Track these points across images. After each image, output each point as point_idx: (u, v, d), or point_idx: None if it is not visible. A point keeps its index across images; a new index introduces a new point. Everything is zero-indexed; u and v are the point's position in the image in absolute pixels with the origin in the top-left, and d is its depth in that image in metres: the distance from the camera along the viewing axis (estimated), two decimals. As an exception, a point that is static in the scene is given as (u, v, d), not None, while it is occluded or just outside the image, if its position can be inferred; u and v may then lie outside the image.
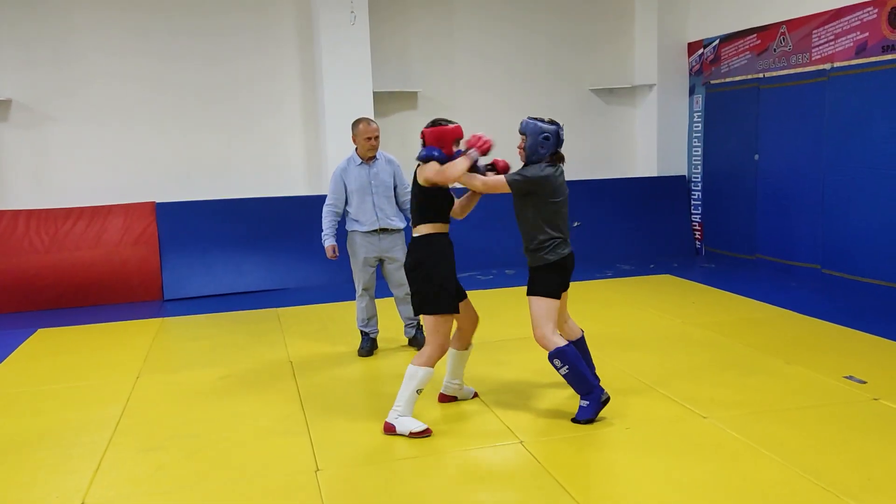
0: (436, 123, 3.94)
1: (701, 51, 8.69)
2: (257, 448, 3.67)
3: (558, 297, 3.89)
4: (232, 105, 7.96)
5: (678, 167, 9.11)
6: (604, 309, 6.33)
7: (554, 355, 3.75)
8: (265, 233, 7.70)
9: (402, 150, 8.29)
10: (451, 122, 3.96)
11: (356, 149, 5.13)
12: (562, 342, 3.78)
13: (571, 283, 4.07)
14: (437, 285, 3.75)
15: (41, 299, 6.97)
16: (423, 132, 3.93)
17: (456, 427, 3.87)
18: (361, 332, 5.32)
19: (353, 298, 5.46)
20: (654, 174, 9.08)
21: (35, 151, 7.49)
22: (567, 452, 3.51)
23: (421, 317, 3.93)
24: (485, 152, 3.89)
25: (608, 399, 3.83)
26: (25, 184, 7.47)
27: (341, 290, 7.39)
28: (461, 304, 4.00)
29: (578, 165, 9.09)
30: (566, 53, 8.99)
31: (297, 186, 8.23)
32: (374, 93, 7.95)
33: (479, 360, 4.96)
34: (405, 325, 5.41)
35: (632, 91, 9.23)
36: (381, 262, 5.25)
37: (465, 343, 4.15)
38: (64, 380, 4.89)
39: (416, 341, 5.33)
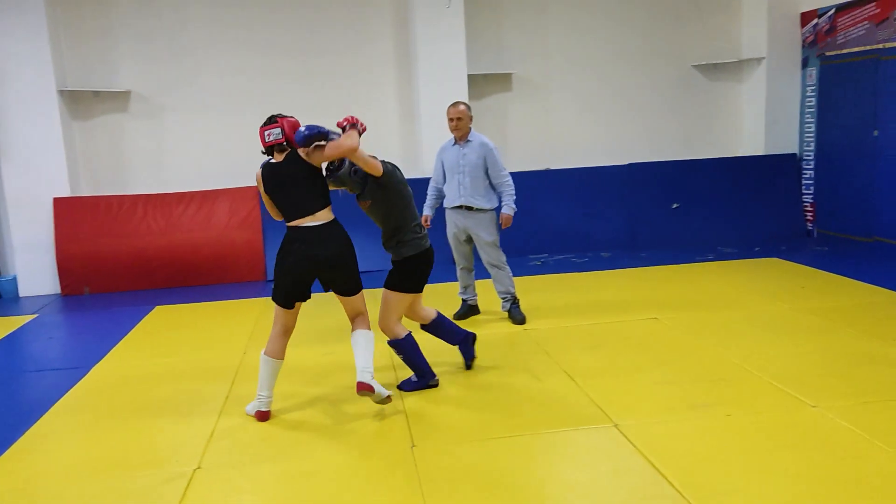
0: (272, 120, 3.87)
1: (815, 21, 8.21)
2: (357, 423, 3.83)
3: (420, 291, 4.16)
4: (331, 92, 8.19)
5: (788, 145, 8.68)
6: (704, 293, 6.16)
7: (392, 344, 4.16)
8: (359, 218, 7.85)
9: (497, 131, 8.32)
10: (267, 120, 3.90)
11: None
12: (403, 333, 4.14)
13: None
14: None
15: (158, 278, 7.46)
16: (280, 122, 3.83)
17: (548, 409, 3.89)
18: (461, 298, 5.74)
19: (453, 279, 5.76)
20: (762, 152, 8.70)
21: (152, 140, 7.99)
22: (663, 437, 3.47)
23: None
24: (363, 130, 3.88)
25: (436, 384, 4.22)
26: (144, 170, 7.99)
27: (439, 269, 7.49)
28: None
29: (678, 145, 8.84)
30: (667, 28, 8.71)
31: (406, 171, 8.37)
32: (469, 76, 7.99)
33: (571, 343, 4.95)
34: (501, 300, 5.61)
35: (738, 66, 8.84)
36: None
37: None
38: (179, 353, 5.24)
39: (512, 315, 5.50)
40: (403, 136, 8.38)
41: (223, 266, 7.57)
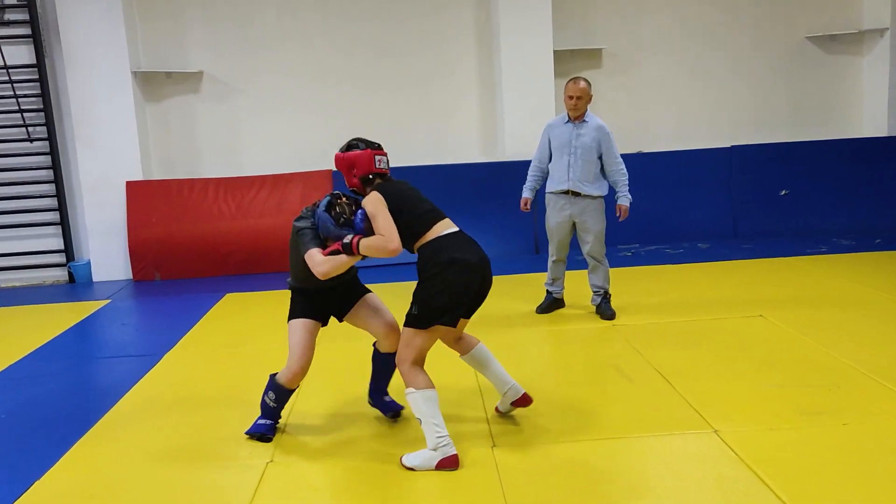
0: (378, 146, 3.62)
1: (950, -16, 7.71)
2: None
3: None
4: (407, 69, 8.25)
5: (915, 125, 8.23)
6: (816, 289, 5.91)
7: None
8: (439, 200, 7.86)
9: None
10: (370, 143, 3.60)
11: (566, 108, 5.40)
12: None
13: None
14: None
15: (229, 264, 7.71)
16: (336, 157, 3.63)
17: (639, 411, 3.82)
18: (546, 289, 5.68)
19: (535, 270, 5.71)
20: (884, 134, 8.27)
21: (224, 122, 8.24)
22: (770, 446, 3.35)
23: None
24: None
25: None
26: (215, 153, 8.26)
27: (521, 261, 7.50)
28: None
29: (788, 125, 8.51)
30: (780, -5, 8.38)
31: (471, 153, 8.41)
32: (555, 51, 7.89)
33: (665, 341, 4.85)
34: (592, 293, 5.56)
35: (859, 37, 8.41)
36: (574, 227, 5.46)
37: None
38: (250, 343, 5.40)
39: (601, 310, 5.47)
40: (483, 117, 8.37)
41: (294, 253, 7.74)
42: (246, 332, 5.69)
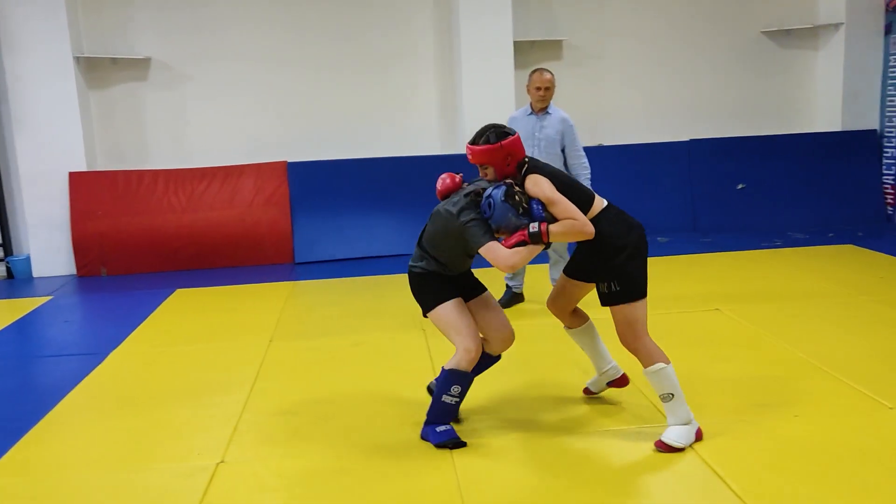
0: (505, 136, 3.44)
1: (902, -19, 7.93)
2: (389, 418, 3.84)
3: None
4: (363, 61, 8.18)
5: (868, 120, 8.44)
6: (772, 283, 6.03)
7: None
8: (398, 194, 7.92)
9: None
10: (501, 128, 3.48)
11: (530, 100, 5.40)
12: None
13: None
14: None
15: (179, 259, 7.57)
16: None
17: (599, 407, 3.87)
18: (506, 284, 5.71)
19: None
20: (838, 128, 8.47)
21: (173, 111, 8.07)
22: (724, 439, 3.42)
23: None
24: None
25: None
26: (164, 144, 8.09)
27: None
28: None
29: (746, 119, 8.66)
30: (737, -11, 8.52)
31: (431, 145, 8.39)
32: (515, 42, 7.91)
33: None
34: (553, 288, 5.52)
35: (814, 32, 8.60)
36: None
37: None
38: (201, 340, 5.32)
39: None
40: (443, 108, 8.35)
41: (248, 247, 7.65)
42: (196, 329, 5.60)
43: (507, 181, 3.40)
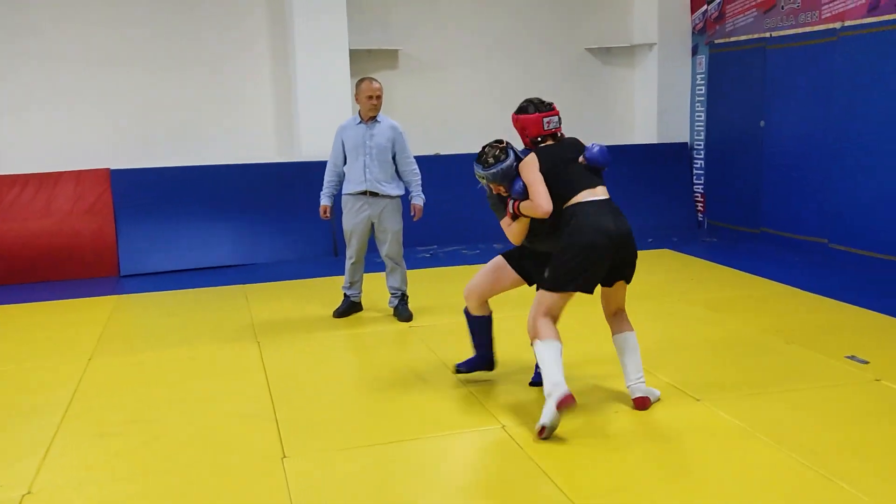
0: (549, 106, 3.87)
1: (704, 7, 8.69)
2: (220, 434, 3.72)
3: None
4: (195, 62, 7.89)
5: (680, 134, 9.16)
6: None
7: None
8: (232, 203, 7.69)
9: (382, 111, 8.28)
10: (540, 104, 3.85)
11: (359, 108, 5.41)
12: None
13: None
14: None
15: (-13, 274, 6.94)
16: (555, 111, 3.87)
17: (434, 411, 3.93)
18: (344, 293, 5.67)
19: (330, 274, 5.66)
20: (654, 141, 9.12)
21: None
22: (550, 439, 3.57)
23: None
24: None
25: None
26: (-33, 148, 7.40)
27: (319, 264, 7.44)
28: None
29: (571, 132, 9.07)
30: (561, 8, 8.96)
31: (267, 152, 8.21)
32: (351, 51, 7.91)
33: (459, 341, 5.03)
34: (390, 295, 5.64)
35: (630, 51, 9.23)
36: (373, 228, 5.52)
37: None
38: (10, 361, 4.90)
39: (399, 312, 5.55)
40: (278, 116, 8.20)
41: (66, 260, 7.14)
42: (5, 349, 5.15)
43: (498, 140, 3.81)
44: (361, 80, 5.40)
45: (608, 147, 3.97)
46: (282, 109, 8.18)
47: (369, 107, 5.33)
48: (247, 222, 7.68)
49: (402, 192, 5.52)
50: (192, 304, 6.18)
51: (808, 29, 7.25)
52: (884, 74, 6.47)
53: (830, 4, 6.97)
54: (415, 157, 5.58)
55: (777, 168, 7.80)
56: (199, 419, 3.90)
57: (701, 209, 9.04)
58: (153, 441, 3.66)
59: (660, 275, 6.72)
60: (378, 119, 5.39)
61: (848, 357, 4.45)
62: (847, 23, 6.81)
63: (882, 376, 4.16)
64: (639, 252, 3.90)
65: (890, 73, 6.42)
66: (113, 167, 7.50)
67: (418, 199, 5.49)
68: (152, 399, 4.19)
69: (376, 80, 5.37)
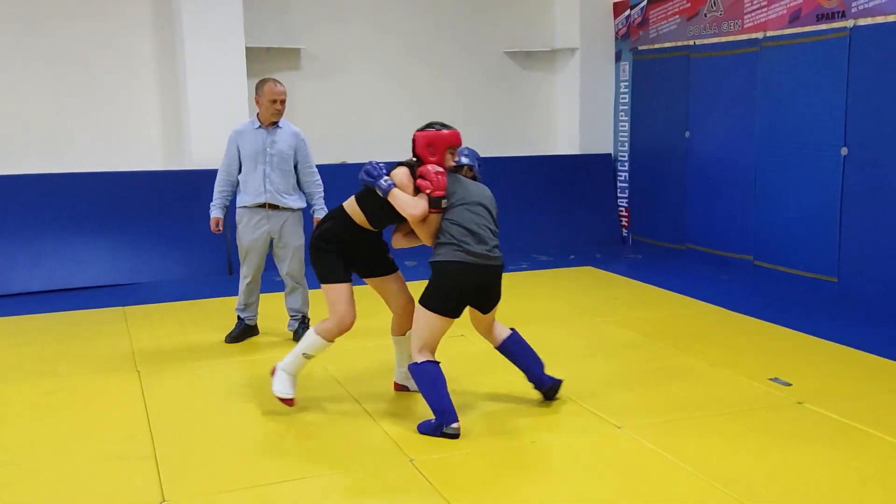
0: (430, 126, 4.18)
1: (627, 12, 8.98)
2: (91, 477, 3.58)
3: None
4: (70, 61, 7.64)
5: (603, 144, 9.40)
6: (516, 305, 6.45)
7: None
8: (111, 215, 7.46)
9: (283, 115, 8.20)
10: (445, 126, 4.20)
11: (258, 112, 5.33)
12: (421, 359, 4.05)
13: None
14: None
15: None
16: (413, 135, 4.18)
17: (337, 446, 3.88)
18: (237, 315, 5.56)
19: (224, 294, 5.53)
20: (577, 152, 9.33)
21: None
22: (459, 470, 3.59)
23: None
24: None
25: (453, 433, 3.87)
26: None
27: (210, 283, 7.28)
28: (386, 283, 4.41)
29: (489, 140, 9.21)
30: (479, 8, 9.09)
31: (152, 159, 7.99)
32: (248, 48, 7.81)
33: (362, 367, 4.99)
34: (290, 318, 5.59)
35: (551, 55, 9.43)
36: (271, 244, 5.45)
37: (402, 330, 4.44)
38: None
39: (298, 336, 5.38)
40: (165, 119, 8.01)
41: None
42: None
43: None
44: (264, 82, 5.31)
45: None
46: (168, 111, 7.98)
47: (272, 111, 5.26)
48: (126, 237, 7.45)
49: (303, 205, 5.47)
50: (62, 329, 5.93)
51: (731, 38, 7.58)
52: (804, 87, 6.82)
53: (752, 14, 7.31)
54: (318, 166, 5.55)
55: (702, 181, 8.10)
56: (64, 461, 3.74)
57: (625, 224, 9.29)
58: (7, 488, 3.48)
59: (581, 294, 6.85)
60: (279, 125, 5.33)
61: (771, 379, 4.64)
62: (769, 33, 7.15)
63: (804, 399, 4.35)
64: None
65: (809, 85, 6.77)
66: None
67: (321, 213, 5.43)
68: (10, 439, 3.98)
69: (280, 83, 5.31)
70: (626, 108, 9.18)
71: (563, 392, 4.45)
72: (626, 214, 9.26)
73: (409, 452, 3.76)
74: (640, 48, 8.84)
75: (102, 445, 3.90)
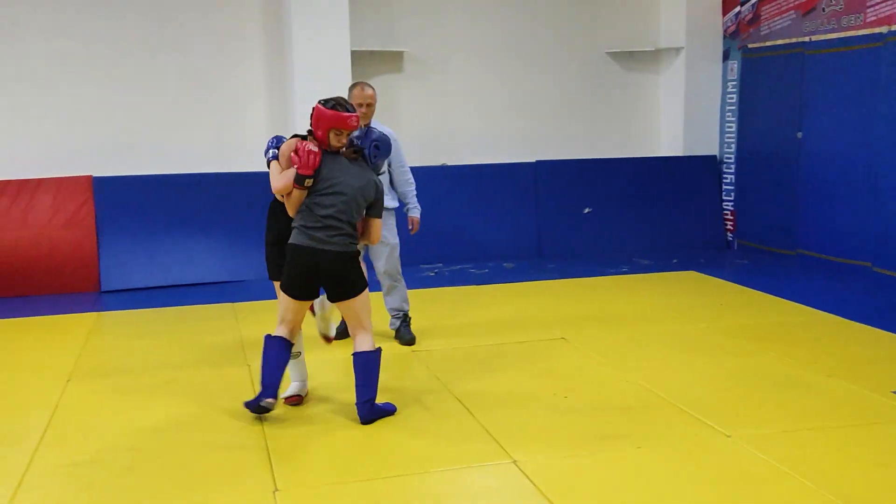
0: (332, 102, 4.12)
1: (737, 9, 8.73)
2: (206, 464, 3.71)
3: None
4: (183, 64, 7.97)
5: (708, 146, 9.17)
6: (616, 311, 6.38)
7: None
8: (221, 215, 7.72)
9: (385, 117, 8.31)
10: (344, 106, 4.11)
11: None
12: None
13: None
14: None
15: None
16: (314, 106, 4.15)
17: (438, 443, 3.92)
18: None
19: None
20: (680, 153, 9.14)
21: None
22: (566, 474, 3.56)
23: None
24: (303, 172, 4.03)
25: (267, 406, 4.11)
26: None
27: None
28: None
29: (589, 142, 9.14)
30: (581, 9, 9.01)
31: (259, 161, 8.22)
32: (353, 52, 7.96)
33: (466, 367, 5.01)
34: (391, 317, 5.65)
35: (655, 55, 9.26)
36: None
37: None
38: (-18, 382, 4.92)
39: (400, 335, 5.54)
40: (273, 122, 8.24)
41: (44, 274, 7.18)
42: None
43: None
44: (353, 86, 5.40)
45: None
46: (276, 115, 8.22)
47: (359, 114, 5.33)
48: (234, 236, 7.70)
49: (397, 204, 5.54)
50: (177, 323, 6.18)
51: (851, 33, 7.28)
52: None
53: (876, 7, 7.00)
54: (419, 168, 5.60)
55: (816, 183, 7.80)
56: (180, 448, 3.89)
57: (731, 228, 9.03)
58: (131, 471, 3.65)
59: (685, 299, 6.69)
60: (371, 126, 5.40)
61: (894, 392, 4.42)
62: (894, 27, 6.83)
63: (930, 413, 4.13)
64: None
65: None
66: (96, 175, 7.55)
67: (415, 212, 5.51)
68: (132, 426, 4.17)
69: (369, 86, 5.38)
70: (733, 108, 8.93)
71: (667, 396, 4.37)
72: (732, 218, 9.00)
73: (512, 454, 3.76)
74: (749, 46, 8.58)
75: (216, 435, 4.05)
